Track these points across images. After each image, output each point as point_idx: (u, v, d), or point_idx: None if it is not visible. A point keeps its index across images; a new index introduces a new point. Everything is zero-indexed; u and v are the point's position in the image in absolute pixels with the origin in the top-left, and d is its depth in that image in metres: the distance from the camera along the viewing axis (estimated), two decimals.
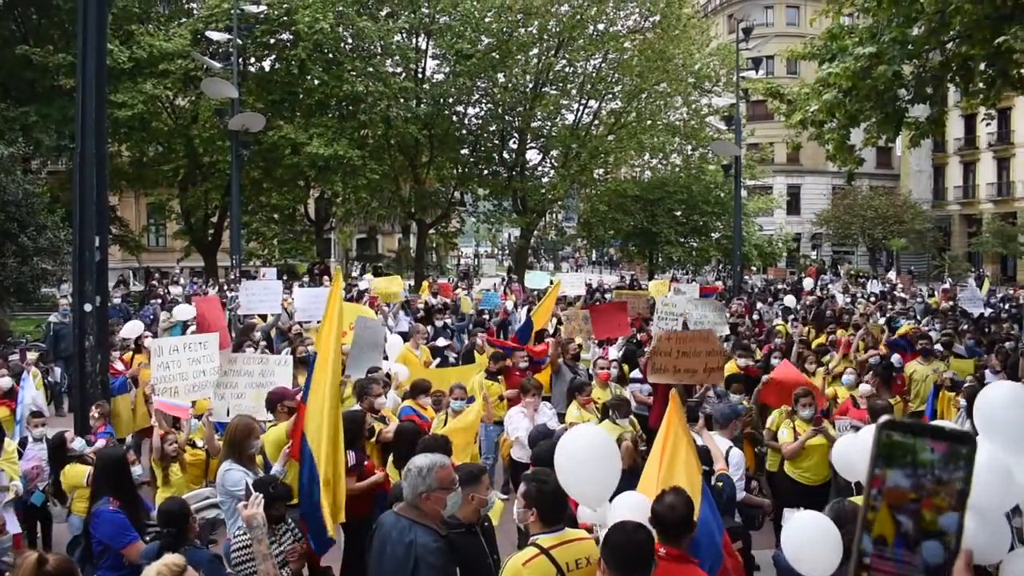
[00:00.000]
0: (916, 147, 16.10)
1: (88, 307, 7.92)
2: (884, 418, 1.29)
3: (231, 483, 5.92)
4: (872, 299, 23.48)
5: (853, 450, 4.69)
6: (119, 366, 10.62)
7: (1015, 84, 13.11)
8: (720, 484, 5.65)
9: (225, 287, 21.11)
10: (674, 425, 5.03)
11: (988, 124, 27.74)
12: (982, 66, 12.88)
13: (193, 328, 13.16)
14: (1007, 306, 24.09)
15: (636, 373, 10.58)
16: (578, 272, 32.08)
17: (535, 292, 23.10)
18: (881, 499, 1.32)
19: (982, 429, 3.56)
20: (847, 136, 14.17)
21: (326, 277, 28.10)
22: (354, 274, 36.39)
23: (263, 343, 12.73)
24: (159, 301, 21.70)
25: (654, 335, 11.49)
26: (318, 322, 12.69)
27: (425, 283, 24.91)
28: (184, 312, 16.35)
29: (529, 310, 16.35)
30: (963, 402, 8.79)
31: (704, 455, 5.73)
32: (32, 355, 12.33)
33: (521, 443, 8.00)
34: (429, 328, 14.78)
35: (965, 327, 15.59)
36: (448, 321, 17.17)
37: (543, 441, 6.43)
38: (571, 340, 11.60)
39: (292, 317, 15.16)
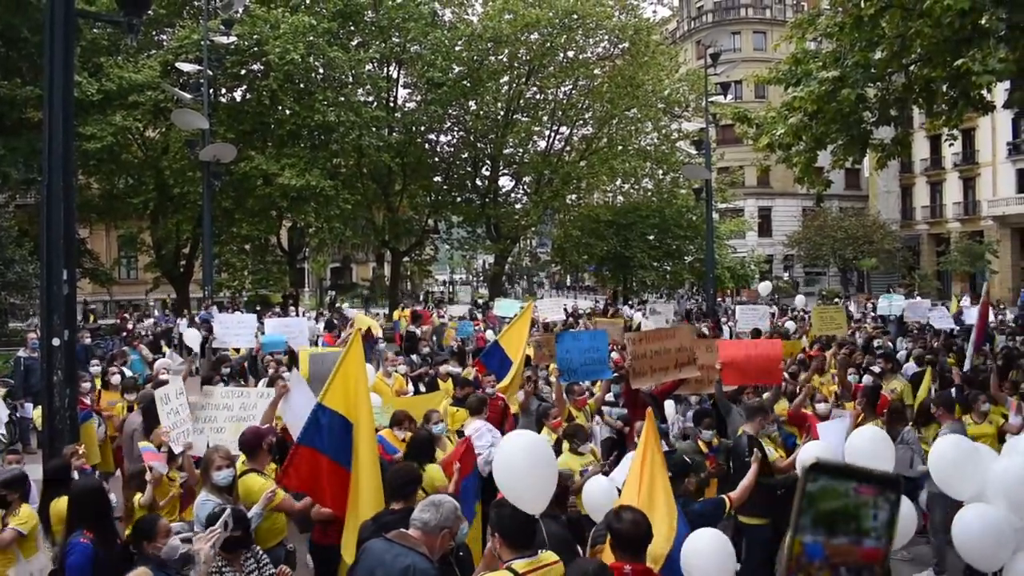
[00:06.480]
0: (883, 168, 16.32)
1: (56, 341, 7.78)
2: (812, 461, 1.24)
3: (204, 514, 5.82)
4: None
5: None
6: (87, 401, 10.42)
7: (976, 105, 13.35)
8: None
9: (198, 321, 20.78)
10: (650, 446, 5.04)
11: (952, 144, 28.16)
12: (944, 88, 13.09)
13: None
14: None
15: (609, 396, 10.52)
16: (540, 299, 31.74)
17: (506, 320, 22.78)
18: (827, 566, 1.29)
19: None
20: (814, 159, 14.31)
21: (292, 307, 27.87)
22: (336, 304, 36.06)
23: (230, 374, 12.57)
24: (123, 335, 21.42)
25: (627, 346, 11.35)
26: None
27: (403, 311, 24.40)
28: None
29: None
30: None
31: None
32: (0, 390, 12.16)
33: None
34: (414, 357, 14.42)
35: (935, 344, 15.77)
36: (427, 350, 16.99)
37: None
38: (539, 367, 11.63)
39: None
